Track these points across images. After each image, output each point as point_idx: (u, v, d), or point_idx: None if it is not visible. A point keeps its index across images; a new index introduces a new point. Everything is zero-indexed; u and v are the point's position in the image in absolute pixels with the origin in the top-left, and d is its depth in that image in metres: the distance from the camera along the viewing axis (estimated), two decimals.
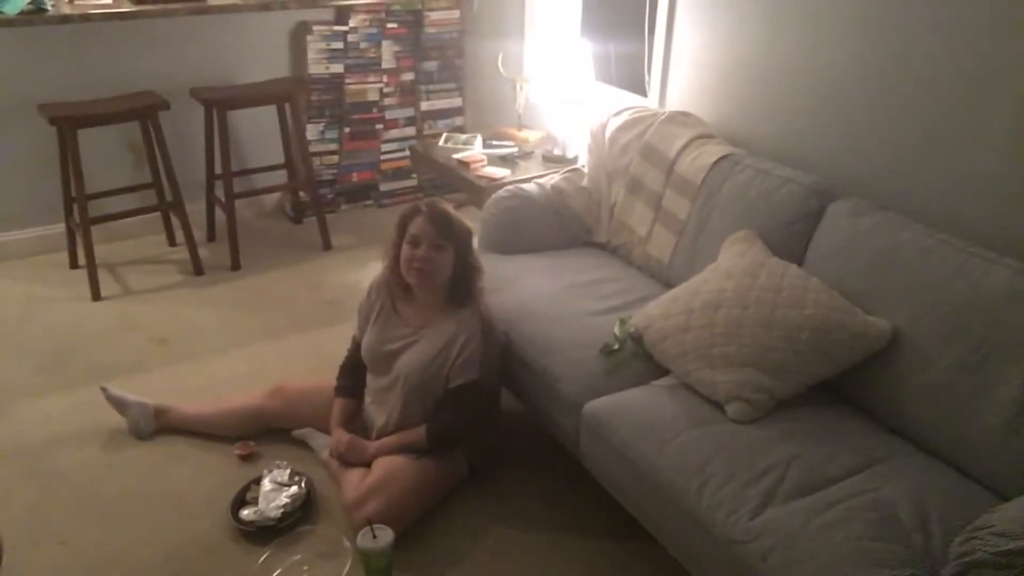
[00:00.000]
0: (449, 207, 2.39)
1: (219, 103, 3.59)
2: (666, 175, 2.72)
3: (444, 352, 2.30)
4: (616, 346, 2.29)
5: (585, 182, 2.99)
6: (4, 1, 3.18)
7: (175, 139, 3.63)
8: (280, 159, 4.04)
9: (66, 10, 3.32)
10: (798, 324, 2.02)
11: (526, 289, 2.61)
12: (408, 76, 4.30)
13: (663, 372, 2.23)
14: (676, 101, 3.07)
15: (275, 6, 3.70)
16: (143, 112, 3.45)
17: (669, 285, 2.60)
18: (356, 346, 2.51)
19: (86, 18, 3.31)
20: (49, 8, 3.29)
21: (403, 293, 2.41)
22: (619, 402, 2.11)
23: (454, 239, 2.33)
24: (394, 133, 4.37)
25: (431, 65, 4.35)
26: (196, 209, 3.85)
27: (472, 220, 2.71)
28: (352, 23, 4.06)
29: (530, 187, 2.98)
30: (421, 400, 2.33)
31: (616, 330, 2.35)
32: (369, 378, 2.46)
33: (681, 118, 2.84)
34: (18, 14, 3.21)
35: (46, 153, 3.49)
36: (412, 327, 2.38)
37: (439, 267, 2.32)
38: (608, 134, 2.95)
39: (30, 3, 3.25)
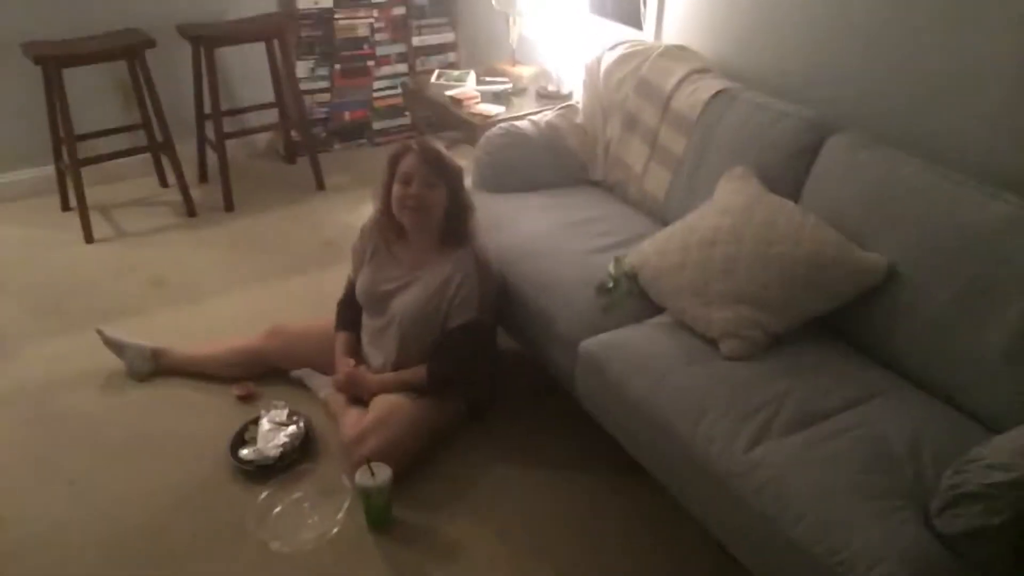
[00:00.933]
0: (440, 145, 2.36)
1: (207, 40, 3.52)
2: (662, 110, 2.68)
3: (440, 293, 2.30)
4: (611, 284, 2.29)
5: (580, 119, 2.95)
6: None
7: (163, 78, 3.57)
8: (271, 98, 3.98)
9: None
10: (793, 260, 2.02)
11: (521, 228, 2.60)
12: (399, 11, 4.21)
13: (658, 310, 2.23)
14: (672, 34, 3.01)
15: None
16: (129, 50, 3.38)
17: (665, 223, 2.58)
18: (352, 286, 2.51)
19: None
20: None
21: (396, 235, 2.39)
22: (614, 340, 2.11)
23: (446, 177, 2.31)
24: (386, 70, 4.30)
25: None
26: (187, 149, 3.81)
27: (466, 159, 2.70)
28: None
29: (524, 124, 2.94)
30: (418, 339, 2.33)
31: (611, 268, 2.34)
32: (365, 318, 2.47)
33: (677, 52, 2.79)
34: None
35: (33, 93, 3.44)
36: (407, 268, 2.38)
37: (432, 205, 2.30)
38: (603, 69, 2.90)
39: None
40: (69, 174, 3.44)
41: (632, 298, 2.27)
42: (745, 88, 2.56)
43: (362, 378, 2.35)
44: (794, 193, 2.26)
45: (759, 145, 2.37)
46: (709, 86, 2.58)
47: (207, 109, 3.67)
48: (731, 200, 2.22)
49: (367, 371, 2.39)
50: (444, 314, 2.31)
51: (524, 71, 3.59)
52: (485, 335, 2.42)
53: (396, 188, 2.30)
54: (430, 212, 2.31)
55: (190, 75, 3.68)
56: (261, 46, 3.80)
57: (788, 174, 2.29)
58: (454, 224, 2.35)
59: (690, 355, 2.01)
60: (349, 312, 2.51)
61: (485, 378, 2.48)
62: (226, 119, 3.70)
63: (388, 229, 2.39)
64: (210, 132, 3.68)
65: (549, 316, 2.25)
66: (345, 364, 2.37)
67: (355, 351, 2.47)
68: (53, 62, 3.23)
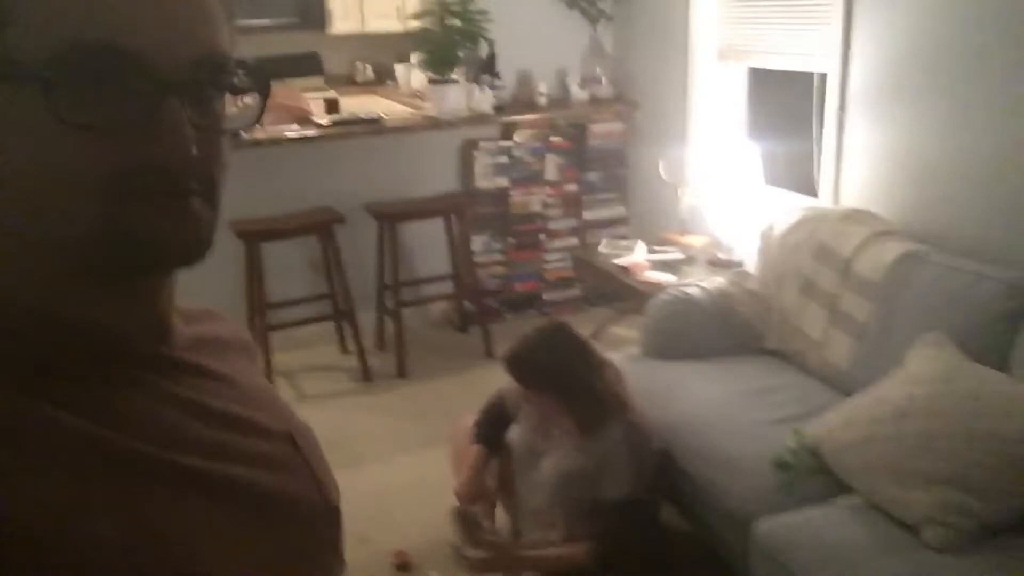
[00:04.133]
0: (533, 347, 2.20)
1: (391, 216, 3.76)
2: (842, 275, 2.54)
3: (587, 467, 2.16)
4: (791, 459, 2.09)
5: (753, 285, 2.85)
6: None
7: (349, 251, 3.81)
8: (447, 269, 4.16)
9: (259, 136, 3.62)
10: (1005, 437, 1.77)
11: (692, 397, 2.48)
12: (571, 187, 4.36)
13: (845, 489, 2.01)
14: (851, 198, 2.90)
15: (444, 125, 3.89)
16: (321, 226, 3.67)
17: (848, 393, 2.38)
18: (498, 402, 2.43)
19: (275, 142, 3.60)
20: (243, 135, 3.60)
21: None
22: (796, 523, 1.91)
23: (543, 384, 2.18)
24: (557, 243, 4.40)
25: (594, 176, 4.39)
26: (366, 318, 4.00)
27: (633, 329, 2.62)
28: (517, 138, 4.19)
29: (694, 291, 2.87)
30: (568, 502, 2.20)
31: (790, 442, 2.15)
32: (516, 467, 2.37)
33: (856, 215, 2.67)
34: None
35: (234, 265, 3.76)
36: (559, 432, 2.28)
37: (543, 411, 2.21)
38: (778, 234, 2.81)
39: None
40: (259, 339, 3.67)
41: (814, 475, 2.06)
42: (934, 249, 2.39)
43: (507, 553, 2.20)
44: (1000, 362, 2.03)
45: (955, 310, 2.17)
46: (893, 248, 2.43)
47: (387, 279, 3.87)
48: (925, 369, 2.02)
49: (513, 544, 2.28)
50: (595, 484, 2.17)
51: (694, 240, 3.56)
52: (642, 512, 2.24)
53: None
54: (549, 416, 2.22)
55: (374, 248, 3.92)
56: (440, 221, 4.01)
57: (991, 341, 2.07)
58: (585, 412, 2.18)
59: (887, 544, 1.77)
60: (490, 429, 2.41)
61: (649, 556, 2.28)
62: (404, 289, 3.87)
63: None
64: (389, 301, 3.86)
65: (720, 490, 2.09)
66: (478, 484, 2.27)
67: (485, 470, 2.37)
68: (254, 237, 3.54)
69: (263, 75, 0.62)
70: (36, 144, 0.53)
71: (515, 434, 2.37)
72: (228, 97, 0.60)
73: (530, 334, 2.24)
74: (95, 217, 0.54)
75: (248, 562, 0.59)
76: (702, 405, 2.42)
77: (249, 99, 0.62)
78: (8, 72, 0.51)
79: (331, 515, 0.71)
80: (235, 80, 0.60)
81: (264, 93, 0.62)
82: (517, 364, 2.18)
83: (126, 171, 0.53)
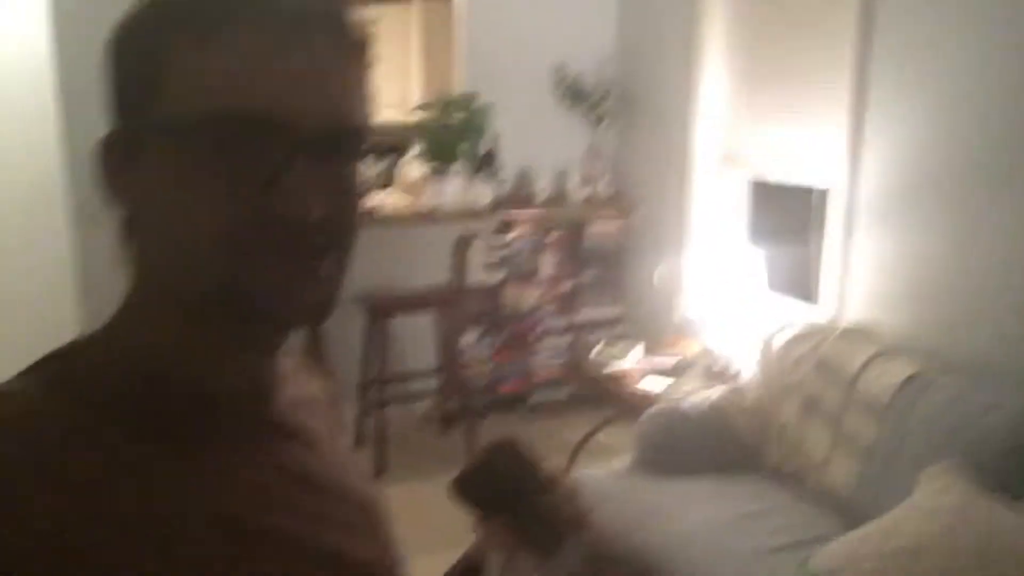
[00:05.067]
0: (478, 469, 2.10)
1: (381, 309, 3.65)
2: (845, 394, 2.42)
3: None
4: None
5: (751, 399, 2.72)
6: None
7: (335, 342, 3.69)
8: (432, 364, 4.02)
9: None
10: None
11: (685, 518, 2.32)
12: (566, 286, 4.27)
13: None
14: (855, 310, 2.81)
15: (443, 217, 3.82)
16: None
17: (849, 520, 2.24)
18: (466, 560, 2.25)
19: None
20: None
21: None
22: None
23: (491, 508, 2.04)
24: (549, 342, 4.29)
25: (590, 275, 4.31)
26: (346, 412, 3.84)
27: (625, 436, 2.47)
28: (513, 234, 4.13)
29: (687, 405, 2.74)
30: None
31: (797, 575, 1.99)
32: None
33: (857, 333, 2.58)
34: None
35: None
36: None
37: (499, 544, 2.06)
38: (777, 347, 2.70)
39: None
40: None
41: None
42: (942, 372, 2.28)
43: None
44: (1014, 492, 1.89)
45: (966, 438, 2.05)
46: (900, 369, 2.32)
47: (372, 373, 3.73)
48: (936, 501, 1.88)
49: None
50: None
51: (691, 348, 3.44)
52: None
53: None
54: (506, 548, 2.06)
55: (359, 340, 3.80)
56: (430, 315, 3.90)
57: (1006, 473, 1.94)
58: (538, 537, 2.03)
59: None
60: None
61: None
62: (387, 385, 3.73)
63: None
64: (373, 396, 3.71)
65: None
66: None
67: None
68: None
69: (390, 144, 0.62)
70: (172, 192, 0.56)
71: None
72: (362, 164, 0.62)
73: (475, 455, 2.10)
74: (219, 273, 0.56)
75: None
76: (695, 528, 2.27)
77: (380, 165, 0.63)
78: (155, 131, 0.56)
79: None
80: (366, 147, 0.61)
81: (393, 160, 0.61)
82: (462, 488, 2.03)
83: (254, 227, 0.55)
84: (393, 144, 3.89)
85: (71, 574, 0.48)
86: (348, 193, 0.59)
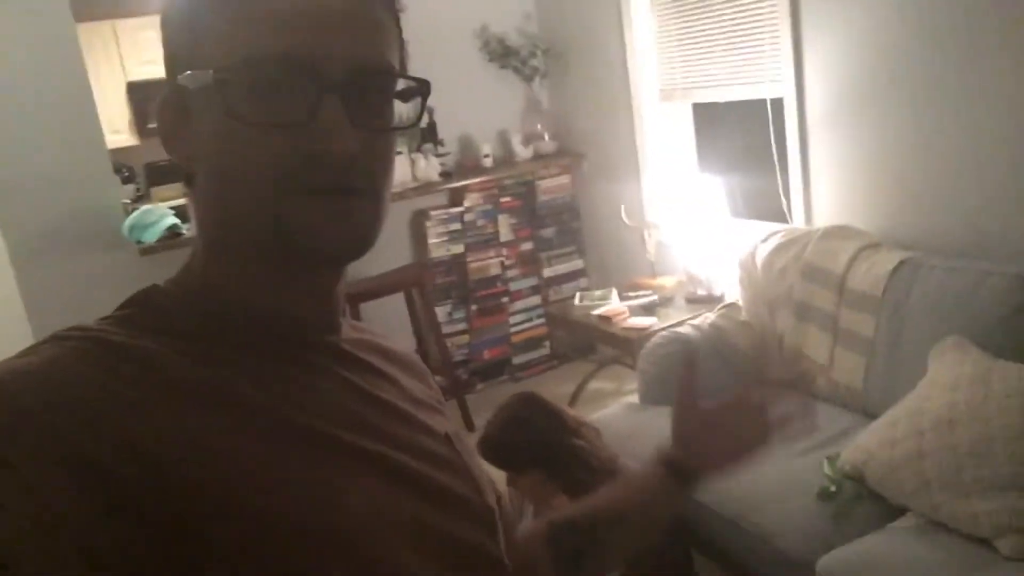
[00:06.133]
0: (507, 424, 2.07)
1: (350, 297, 3.59)
2: (837, 293, 2.48)
3: None
4: (833, 488, 1.98)
5: (744, 316, 2.77)
6: (144, 229, 3.32)
7: None
8: (412, 345, 3.98)
9: None
10: None
11: None
12: (527, 246, 4.26)
13: (896, 511, 1.90)
14: (825, 219, 2.87)
15: (394, 197, 3.74)
16: None
17: (867, 412, 2.31)
18: None
19: None
20: (185, 232, 3.41)
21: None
22: (859, 554, 1.79)
23: (524, 462, 2.04)
24: (520, 304, 4.28)
25: (548, 232, 4.31)
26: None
27: (615, 380, 2.48)
28: (467, 203, 4.09)
29: (685, 330, 2.78)
30: None
31: (826, 470, 2.05)
32: None
33: (838, 231, 2.63)
34: (157, 240, 3.33)
35: None
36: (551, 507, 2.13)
37: (537, 494, 2.06)
38: (760, 261, 2.75)
39: (167, 229, 3.38)
40: None
41: (860, 501, 1.96)
42: (928, 254, 2.36)
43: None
44: (1022, 355, 1.97)
45: (965, 312, 2.12)
46: (887, 259, 2.39)
47: None
48: (955, 372, 1.95)
49: None
50: None
51: (666, 281, 3.48)
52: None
53: None
54: (540, 497, 2.06)
55: None
56: (400, 297, 3.85)
57: (1010, 336, 2.02)
58: (569, 484, 1.99)
59: (963, 562, 1.66)
60: None
61: None
62: None
63: None
64: None
65: (769, 533, 1.95)
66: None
67: None
68: None
69: (423, 80, 0.65)
70: (218, 142, 0.60)
71: None
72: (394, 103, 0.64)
73: (498, 413, 2.09)
74: (266, 213, 0.59)
75: (411, 548, 0.60)
76: None
77: (413, 102, 0.66)
78: (199, 85, 0.59)
79: (489, 515, 0.71)
80: (397, 85, 0.64)
81: (425, 94, 0.65)
82: (492, 448, 2.01)
83: (291, 167, 0.58)
84: None
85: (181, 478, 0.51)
86: (380, 129, 0.62)
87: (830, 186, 2.86)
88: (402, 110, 0.65)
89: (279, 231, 0.59)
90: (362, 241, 0.62)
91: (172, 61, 0.63)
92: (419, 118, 0.68)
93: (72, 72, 3.22)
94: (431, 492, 0.65)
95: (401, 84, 0.64)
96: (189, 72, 0.60)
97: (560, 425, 2.07)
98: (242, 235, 0.62)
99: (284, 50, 0.57)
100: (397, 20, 0.65)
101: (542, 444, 2.03)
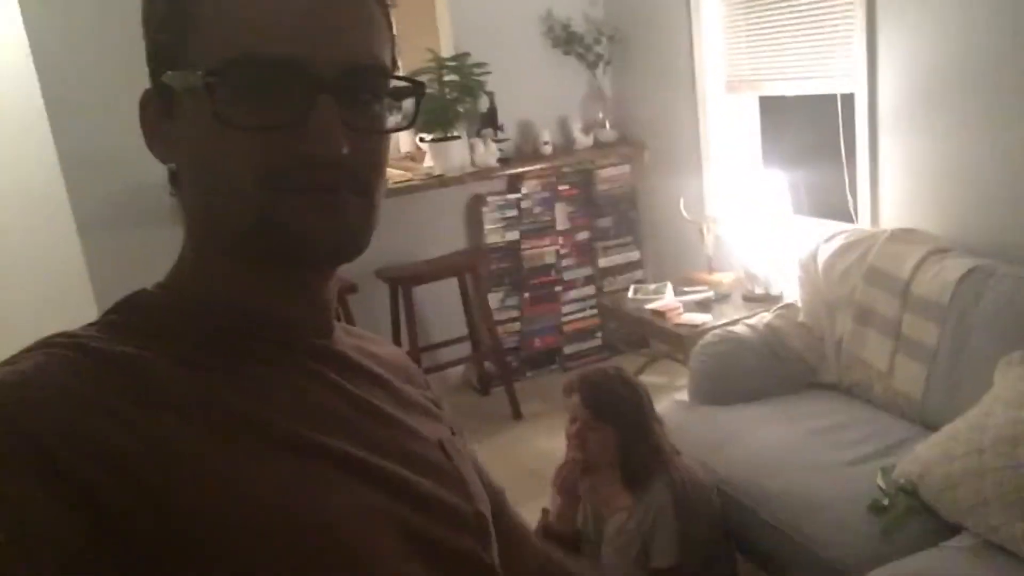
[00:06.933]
0: (612, 376, 2.14)
1: (404, 280, 3.61)
2: (901, 298, 2.40)
3: (632, 535, 2.00)
4: (887, 501, 1.92)
5: (802, 317, 2.70)
6: None
7: (362, 319, 3.65)
8: (463, 331, 3.99)
9: None
10: None
11: (757, 441, 2.30)
12: (583, 235, 4.23)
13: (952, 529, 1.83)
14: (892, 220, 2.78)
15: (451, 182, 3.76)
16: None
17: (926, 423, 2.23)
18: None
19: None
20: None
21: (584, 468, 2.15)
22: (910, 571, 1.72)
23: (612, 417, 2.06)
24: (573, 294, 4.26)
25: (605, 221, 4.26)
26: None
27: (666, 375, 2.45)
28: (524, 190, 4.07)
29: (740, 329, 2.72)
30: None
31: (880, 481, 1.99)
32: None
33: (905, 235, 2.54)
34: None
35: None
36: (608, 508, 2.12)
37: (596, 450, 2.06)
38: (821, 263, 2.67)
39: None
40: None
41: (914, 516, 1.89)
42: (999, 262, 2.26)
43: None
44: None
45: None
46: (956, 266, 2.30)
47: (404, 346, 3.69)
48: (1020, 389, 1.87)
49: None
50: (643, 554, 1.99)
51: (723, 277, 3.42)
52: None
53: (567, 426, 2.12)
54: (596, 455, 2.07)
55: (387, 315, 3.76)
56: (453, 281, 3.86)
57: None
58: (634, 463, 2.06)
59: None
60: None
61: None
62: (422, 354, 3.70)
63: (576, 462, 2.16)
64: None
65: (815, 542, 1.90)
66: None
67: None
68: None
69: (416, 79, 0.64)
70: (203, 142, 0.58)
71: (578, 519, 2.20)
72: (386, 103, 0.63)
73: (601, 368, 2.21)
74: (251, 212, 0.58)
75: (398, 551, 0.59)
76: (771, 450, 2.25)
77: (406, 103, 0.64)
78: (185, 82, 0.57)
79: (480, 523, 0.70)
80: (390, 85, 0.62)
81: (419, 95, 0.64)
82: (593, 386, 2.10)
83: (279, 167, 0.57)
84: None
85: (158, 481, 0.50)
86: (373, 131, 0.61)
87: (899, 187, 2.76)
88: (398, 111, 0.64)
89: (268, 231, 0.58)
90: (353, 240, 0.61)
91: (155, 58, 0.61)
92: (414, 119, 0.65)
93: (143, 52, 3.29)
94: (417, 498, 0.64)
95: (394, 83, 0.63)
96: (174, 72, 0.58)
97: (647, 403, 2.14)
98: (231, 237, 0.60)
99: (276, 51, 0.56)
100: (388, 16, 0.63)
101: (631, 406, 2.09)
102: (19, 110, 3.21)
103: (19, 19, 3.06)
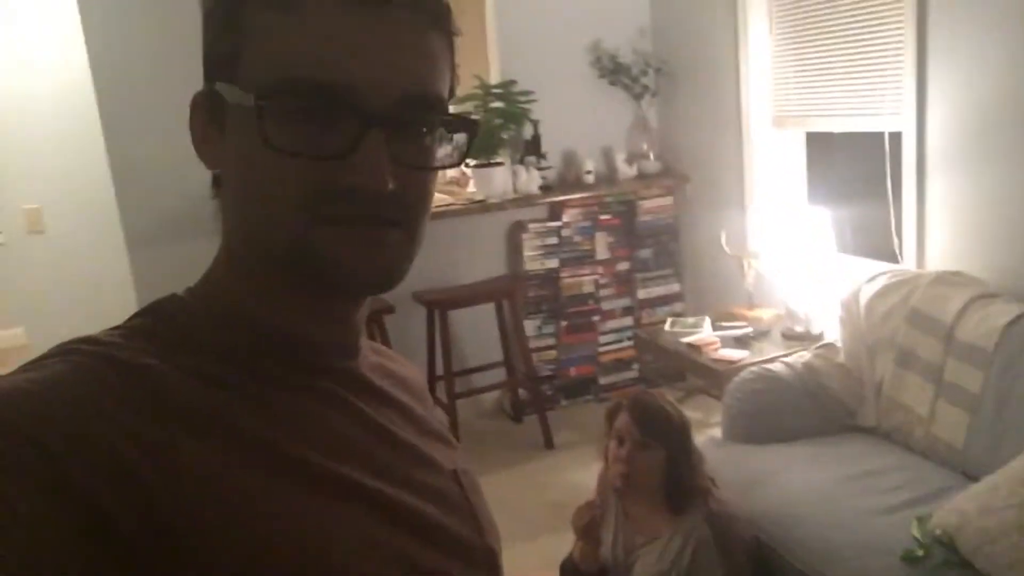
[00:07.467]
0: (661, 399, 2.12)
1: (441, 304, 3.62)
2: (944, 343, 2.33)
3: (674, 566, 1.96)
4: (921, 552, 1.85)
5: (841, 358, 2.64)
6: None
7: (399, 341, 3.66)
8: (499, 356, 3.98)
9: None
10: None
11: (790, 483, 2.25)
12: (623, 266, 4.20)
13: None
14: (937, 262, 2.71)
15: (493, 208, 3.77)
16: (371, 317, 3.52)
17: (967, 473, 2.16)
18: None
19: None
20: None
21: (621, 494, 2.12)
22: None
23: (662, 437, 2.03)
24: (611, 324, 4.22)
25: (646, 253, 4.23)
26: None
27: (700, 411, 2.42)
28: (565, 218, 4.07)
29: (777, 367, 2.67)
30: None
31: (915, 531, 1.92)
32: None
33: (950, 277, 2.48)
34: None
35: None
36: (644, 535, 2.08)
37: (643, 470, 2.03)
38: (863, 303, 2.62)
39: None
40: None
41: (950, 569, 1.82)
42: None
43: None
44: None
45: None
46: (1003, 311, 2.23)
47: (439, 370, 3.70)
48: None
49: None
50: None
51: (763, 314, 3.37)
52: None
53: (611, 446, 2.08)
54: (642, 478, 2.04)
55: (423, 338, 3.77)
56: (490, 306, 3.86)
57: None
58: (677, 487, 2.04)
59: None
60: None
61: None
62: (456, 379, 3.69)
63: (612, 489, 2.13)
64: (440, 393, 3.68)
65: None
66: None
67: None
68: None
69: (470, 117, 0.64)
70: (248, 159, 0.58)
71: (606, 548, 2.16)
72: (439, 137, 0.61)
73: (648, 391, 2.28)
74: (289, 237, 0.57)
75: None
76: (804, 493, 2.19)
77: (457, 139, 0.63)
78: (236, 95, 0.57)
79: (490, 557, 0.69)
80: (443, 120, 0.61)
81: (472, 133, 0.63)
82: (644, 406, 2.09)
83: (322, 195, 0.56)
84: None
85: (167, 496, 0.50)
86: (421, 167, 0.60)
87: (945, 228, 2.70)
88: (447, 146, 0.63)
89: (304, 259, 0.58)
90: (388, 275, 0.60)
91: (210, 62, 0.61)
92: (463, 158, 0.63)
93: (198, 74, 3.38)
94: (426, 530, 0.63)
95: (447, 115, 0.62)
96: (227, 84, 0.58)
97: (690, 433, 2.13)
98: (267, 257, 0.60)
99: (327, 77, 0.55)
100: (451, 45, 0.62)
101: (679, 431, 2.06)
102: (77, 126, 3.31)
103: (82, 41, 3.17)
